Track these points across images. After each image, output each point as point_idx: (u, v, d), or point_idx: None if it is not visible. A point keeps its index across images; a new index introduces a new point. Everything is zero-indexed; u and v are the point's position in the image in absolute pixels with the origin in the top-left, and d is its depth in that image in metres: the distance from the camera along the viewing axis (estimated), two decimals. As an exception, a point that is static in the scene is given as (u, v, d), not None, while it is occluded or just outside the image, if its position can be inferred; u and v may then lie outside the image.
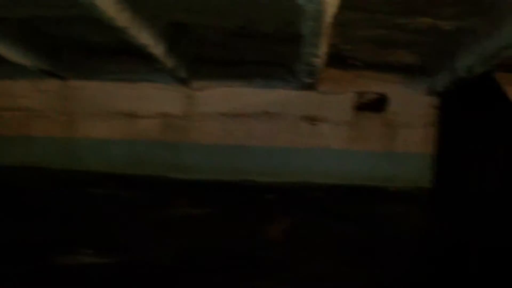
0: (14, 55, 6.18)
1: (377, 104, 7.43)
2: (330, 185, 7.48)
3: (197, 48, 6.39)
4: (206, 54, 6.69)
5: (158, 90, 7.54)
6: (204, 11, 4.96)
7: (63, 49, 6.81)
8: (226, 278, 4.45)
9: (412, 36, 5.39)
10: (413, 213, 6.86)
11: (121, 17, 4.40)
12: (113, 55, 6.70)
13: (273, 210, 6.70)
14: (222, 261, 4.88)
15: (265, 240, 5.62)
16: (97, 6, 3.98)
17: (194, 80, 7.40)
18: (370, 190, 7.43)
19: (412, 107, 7.36)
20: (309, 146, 7.58)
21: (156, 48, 5.48)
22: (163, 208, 6.59)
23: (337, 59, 6.45)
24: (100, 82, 7.55)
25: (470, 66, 5.44)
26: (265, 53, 6.46)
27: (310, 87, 7.11)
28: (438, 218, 6.59)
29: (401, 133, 7.43)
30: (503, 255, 4.86)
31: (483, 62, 5.23)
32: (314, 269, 4.78)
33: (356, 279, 4.61)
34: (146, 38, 5.11)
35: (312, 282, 4.54)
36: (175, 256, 4.97)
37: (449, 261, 5.05)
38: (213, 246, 5.27)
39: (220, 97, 7.53)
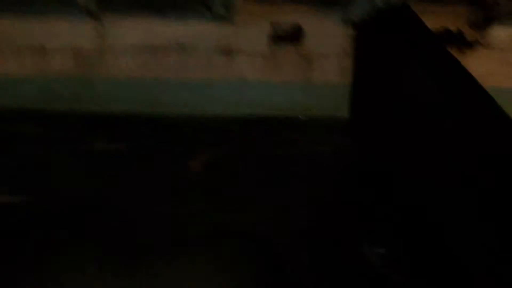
0: None
1: (293, 36, 7.40)
2: (247, 116, 7.44)
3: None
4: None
5: (69, 24, 7.19)
6: None
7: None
8: (144, 212, 4.38)
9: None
10: (332, 141, 6.92)
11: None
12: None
13: (191, 143, 6.62)
14: (140, 196, 4.78)
15: (187, 171, 5.57)
16: None
17: (105, 13, 7.12)
18: (288, 120, 7.44)
19: (328, 37, 7.37)
20: (225, 78, 7.49)
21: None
22: (79, 143, 6.37)
23: (252, -9, 6.34)
24: (8, 18, 7.13)
25: (388, -5, 5.45)
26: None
27: (225, 19, 6.98)
28: (356, 145, 6.68)
29: (317, 64, 7.46)
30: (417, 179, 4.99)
31: (401, -7, 5.24)
32: (239, 193, 4.80)
33: (278, 201, 4.70)
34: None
35: (237, 204, 4.60)
36: (91, 196, 4.79)
37: (371, 187, 5.16)
38: (132, 182, 5.14)
39: (133, 30, 7.29)
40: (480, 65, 7.39)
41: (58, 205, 4.53)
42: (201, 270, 3.55)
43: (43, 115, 7.17)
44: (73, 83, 7.35)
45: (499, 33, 7.55)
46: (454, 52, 7.08)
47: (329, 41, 7.38)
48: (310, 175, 5.54)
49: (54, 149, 6.07)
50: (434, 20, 7.15)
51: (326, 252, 3.93)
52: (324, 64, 7.44)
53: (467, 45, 7.54)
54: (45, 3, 6.84)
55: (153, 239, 3.93)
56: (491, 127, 4.27)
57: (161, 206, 4.52)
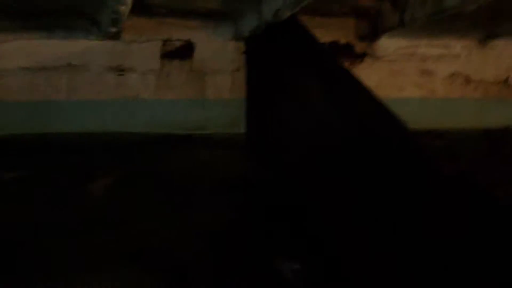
0: None
1: (184, 51, 7.36)
2: (142, 135, 7.33)
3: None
4: (1, 7, 6.20)
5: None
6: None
7: None
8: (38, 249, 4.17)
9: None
10: (228, 157, 6.90)
11: None
12: None
13: (89, 165, 6.44)
14: (34, 232, 4.55)
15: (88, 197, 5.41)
16: None
17: (-9, 35, 6.87)
18: (183, 137, 7.37)
19: (219, 53, 7.38)
20: (117, 97, 7.35)
21: None
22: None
23: (140, 7, 6.23)
24: None
25: (277, 10, 5.47)
26: (65, 2, 6.10)
27: (114, 36, 6.85)
28: (253, 159, 6.69)
29: (209, 80, 7.45)
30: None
31: (289, 6, 5.28)
32: (140, 226, 4.66)
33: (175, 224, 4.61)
34: None
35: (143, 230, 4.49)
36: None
37: (270, 202, 5.15)
38: (26, 215, 4.89)
39: (20, 51, 7.04)
40: (370, 77, 7.55)
41: None
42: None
43: None
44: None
45: (388, 45, 7.74)
46: (344, 65, 7.24)
47: (220, 56, 7.38)
48: (211, 193, 5.47)
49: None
50: (324, 33, 7.26)
51: (237, 269, 3.86)
52: (216, 79, 7.44)
53: (356, 57, 7.69)
54: None
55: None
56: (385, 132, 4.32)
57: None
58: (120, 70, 7.29)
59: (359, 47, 7.67)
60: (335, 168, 4.49)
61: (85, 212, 4.95)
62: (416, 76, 8.16)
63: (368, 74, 7.67)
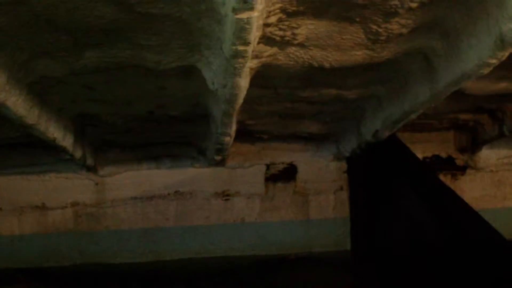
0: None
1: (287, 174, 7.52)
2: (249, 258, 7.43)
3: (103, 134, 6.28)
4: (112, 139, 6.58)
5: (66, 179, 7.32)
6: (112, 101, 4.90)
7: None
8: None
9: (317, 106, 5.50)
10: (336, 276, 6.89)
11: (30, 115, 4.28)
12: (19, 148, 6.51)
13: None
14: None
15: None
16: (8, 106, 3.86)
17: (102, 166, 7.26)
18: (290, 258, 7.42)
19: (322, 173, 7.50)
20: (223, 222, 7.53)
21: (64, 140, 5.35)
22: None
23: (243, 134, 6.47)
24: (5, 177, 7.26)
25: (375, 131, 5.59)
26: (172, 134, 6.43)
27: (219, 163, 7.11)
28: (360, 279, 6.66)
29: (313, 200, 7.53)
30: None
31: (388, 127, 5.39)
32: None
33: None
34: (54, 132, 4.98)
35: None
36: None
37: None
38: None
39: (130, 181, 7.40)
40: (474, 188, 7.51)
41: None
42: None
43: (43, 271, 7.15)
44: (73, 238, 7.37)
45: (489, 156, 7.67)
46: (447, 178, 7.24)
47: (323, 177, 7.49)
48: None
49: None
50: (425, 148, 7.34)
51: None
52: (320, 199, 7.52)
53: (458, 169, 7.65)
54: (42, 161, 6.97)
55: None
56: (489, 252, 4.29)
57: None
58: (225, 195, 7.50)
59: (460, 159, 7.64)
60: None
61: None
62: (520, 185, 8.01)
63: (471, 186, 7.62)
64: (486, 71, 3.61)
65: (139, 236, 7.48)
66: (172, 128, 6.12)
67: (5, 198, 7.32)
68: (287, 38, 3.54)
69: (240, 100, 4.16)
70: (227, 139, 5.54)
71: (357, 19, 3.35)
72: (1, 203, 7.33)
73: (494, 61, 3.42)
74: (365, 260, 6.90)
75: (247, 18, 2.61)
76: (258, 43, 3.36)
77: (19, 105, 4.02)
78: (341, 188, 7.52)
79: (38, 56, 3.73)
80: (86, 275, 7.17)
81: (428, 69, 4.15)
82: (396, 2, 3.11)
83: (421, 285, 5.16)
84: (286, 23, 3.29)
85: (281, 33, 3.43)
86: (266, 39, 3.47)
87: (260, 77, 4.18)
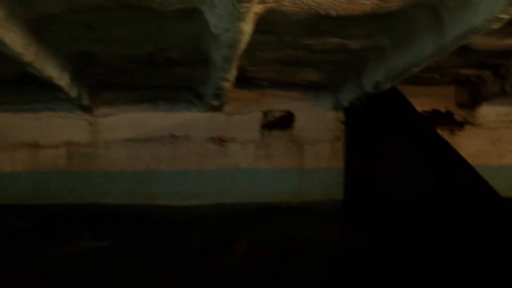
0: None
1: (284, 122, 7.47)
2: (242, 204, 7.42)
3: (101, 74, 6.18)
4: (109, 80, 6.49)
5: (61, 118, 7.26)
6: (112, 41, 4.80)
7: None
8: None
9: (319, 55, 5.41)
10: (327, 225, 6.89)
11: (27, 52, 4.21)
12: (14, 85, 6.43)
13: (187, 236, 6.53)
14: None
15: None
16: (6, 43, 3.79)
17: (97, 106, 7.19)
18: (283, 206, 7.41)
19: (319, 123, 7.46)
20: (218, 167, 7.51)
21: (61, 79, 5.28)
22: (63, 240, 6.21)
23: (242, 80, 6.40)
24: (0, 114, 7.19)
25: (378, 82, 5.52)
26: (171, 77, 6.34)
27: (216, 109, 7.05)
28: (351, 228, 6.68)
29: (309, 149, 7.50)
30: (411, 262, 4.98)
31: (390, 79, 5.32)
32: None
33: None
34: (51, 70, 4.91)
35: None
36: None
37: (368, 272, 5.11)
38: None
39: (125, 122, 7.34)
40: (471, 145, 7.48)
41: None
42: None
43: (35, 210, 7.12)
44: (66, 177, 7.34)
45: (488, 112, 7.64)
46: (444, 133, 7.20)
47: (320, 126, 7.46)
48: (307, 266, 5.45)
49: (38, 246, 5.92)
50: (423, 102, 7.27)
51: None
52: (316, 149, 7.49)
53: (457, 125, 7.61)
54: (38, 99, 6.90)
55: None
56: (482, 206, 4.31)
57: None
58: (221, 141, 7.46)
59: (459, 115, 7.60)
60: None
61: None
62: (517, 143, 8.00)
63: (468, 142, 7.60)
64: (496, 26, 3.55)
65: (131, 178, 7.45)
66: (171, 71, 6.03)
67: (-1, 135, 7.27)
68: (294, -17, 3.45)
69: (243, 46, 4.08)
70: (226, 84, 5.46)
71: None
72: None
73: (505, 16, 3.36)
74: (357, 210, 6.92)
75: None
76: (265, -13, 3.28)
77: (17, 41, 3.96)
78: (338, 139, 7.49)
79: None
80: (77, 213, 7.13)
81: (436, 21, 4.07)
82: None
83: (412, 234, 5.18)
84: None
85: (288, -23, 3.34)
86: (273, -17, 3.38)
87: (264, 23, 4.08)
